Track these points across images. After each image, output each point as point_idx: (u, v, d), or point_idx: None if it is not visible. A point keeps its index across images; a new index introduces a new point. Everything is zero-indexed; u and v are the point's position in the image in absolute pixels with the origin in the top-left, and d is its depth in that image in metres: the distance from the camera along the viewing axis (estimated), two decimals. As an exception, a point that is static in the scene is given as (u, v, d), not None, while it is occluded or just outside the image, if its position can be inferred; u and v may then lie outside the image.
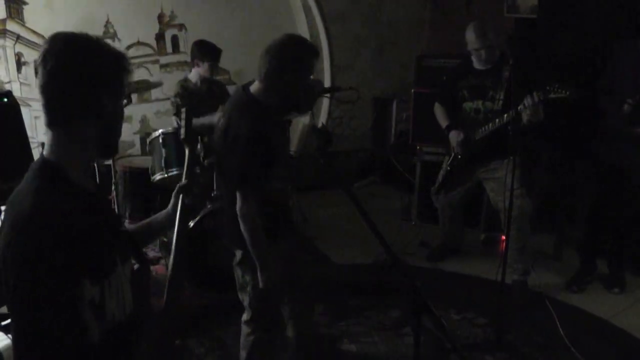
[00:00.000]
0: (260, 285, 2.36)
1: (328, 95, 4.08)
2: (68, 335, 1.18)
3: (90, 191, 1.34)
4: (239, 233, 2.31)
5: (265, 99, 2.31)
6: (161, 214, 1.79)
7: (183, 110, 1.89)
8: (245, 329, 2.57)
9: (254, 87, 2.34)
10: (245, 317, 2.57)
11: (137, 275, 1.49)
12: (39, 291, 1.14)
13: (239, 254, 2.47)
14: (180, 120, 1.83)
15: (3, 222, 1.26)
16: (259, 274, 2.34)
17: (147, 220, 1.80)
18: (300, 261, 2.72)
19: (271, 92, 2.31)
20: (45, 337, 1.16)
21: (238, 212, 2.26)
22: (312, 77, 2.46)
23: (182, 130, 1.87)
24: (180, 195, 1.76)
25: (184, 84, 4.07)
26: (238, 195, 2.26)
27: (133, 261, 1.49)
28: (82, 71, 1.27)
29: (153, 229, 1.78)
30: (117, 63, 1.34)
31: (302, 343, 2.80)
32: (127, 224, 1.81)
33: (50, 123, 1.30)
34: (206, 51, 4.03)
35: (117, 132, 1.42)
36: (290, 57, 2.27)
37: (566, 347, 3.06)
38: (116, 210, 3.71)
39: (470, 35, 3.58)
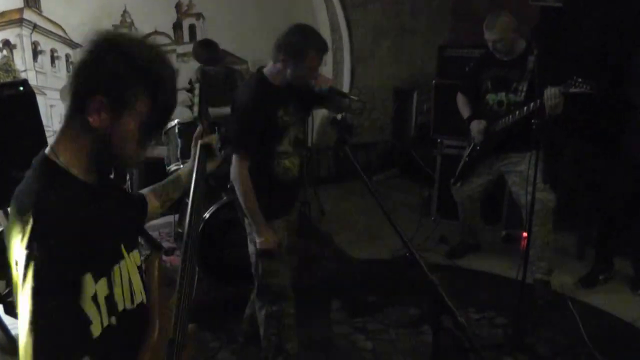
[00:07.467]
0: (257, 246, 2.51)
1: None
2: (70, 327, 1.20)
3: (91, 184, 1.31)
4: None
5: (273, 78, 2.49)
6: (187, 166, 1.78)
7: (197, 86, 1.82)
8: (256, 304, 2.71)
9: (266, 68, 2.53)
10: (255, 292, 2.70)
11: (147, 262, 1.47)
12: (41, 286, 1.16)
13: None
14: (193, 97, 1.73)
15: (10, 217, 1.26)
16: (255, 235, 2.50)
17: (177, 173, 1.79)
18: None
19: (276, 72, 2.46)
20: (47, 329, 1.17)
21: (231, 176, 2.42)
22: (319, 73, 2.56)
23: (195, 108, 1.80)
24: (199, 149, 1.71)
25: (204, 68, 4.14)
26: (233, 159, 2.39)
27: (146, 250, 1.48)
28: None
29: (182, 182, 1.76)
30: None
31: None
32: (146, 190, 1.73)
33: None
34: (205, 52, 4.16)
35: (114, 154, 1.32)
36: (289, 42, 2.39)
37: (588, 350, 2.99)
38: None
39: (484, 29, 3.48)
